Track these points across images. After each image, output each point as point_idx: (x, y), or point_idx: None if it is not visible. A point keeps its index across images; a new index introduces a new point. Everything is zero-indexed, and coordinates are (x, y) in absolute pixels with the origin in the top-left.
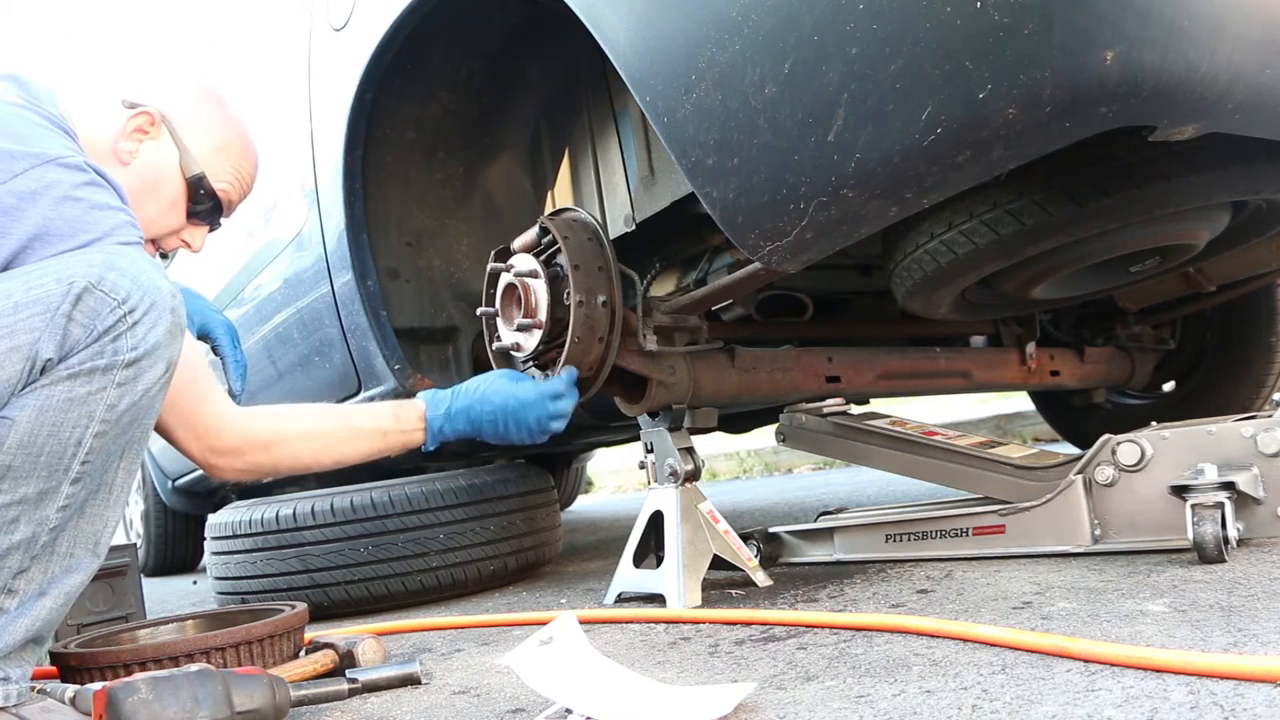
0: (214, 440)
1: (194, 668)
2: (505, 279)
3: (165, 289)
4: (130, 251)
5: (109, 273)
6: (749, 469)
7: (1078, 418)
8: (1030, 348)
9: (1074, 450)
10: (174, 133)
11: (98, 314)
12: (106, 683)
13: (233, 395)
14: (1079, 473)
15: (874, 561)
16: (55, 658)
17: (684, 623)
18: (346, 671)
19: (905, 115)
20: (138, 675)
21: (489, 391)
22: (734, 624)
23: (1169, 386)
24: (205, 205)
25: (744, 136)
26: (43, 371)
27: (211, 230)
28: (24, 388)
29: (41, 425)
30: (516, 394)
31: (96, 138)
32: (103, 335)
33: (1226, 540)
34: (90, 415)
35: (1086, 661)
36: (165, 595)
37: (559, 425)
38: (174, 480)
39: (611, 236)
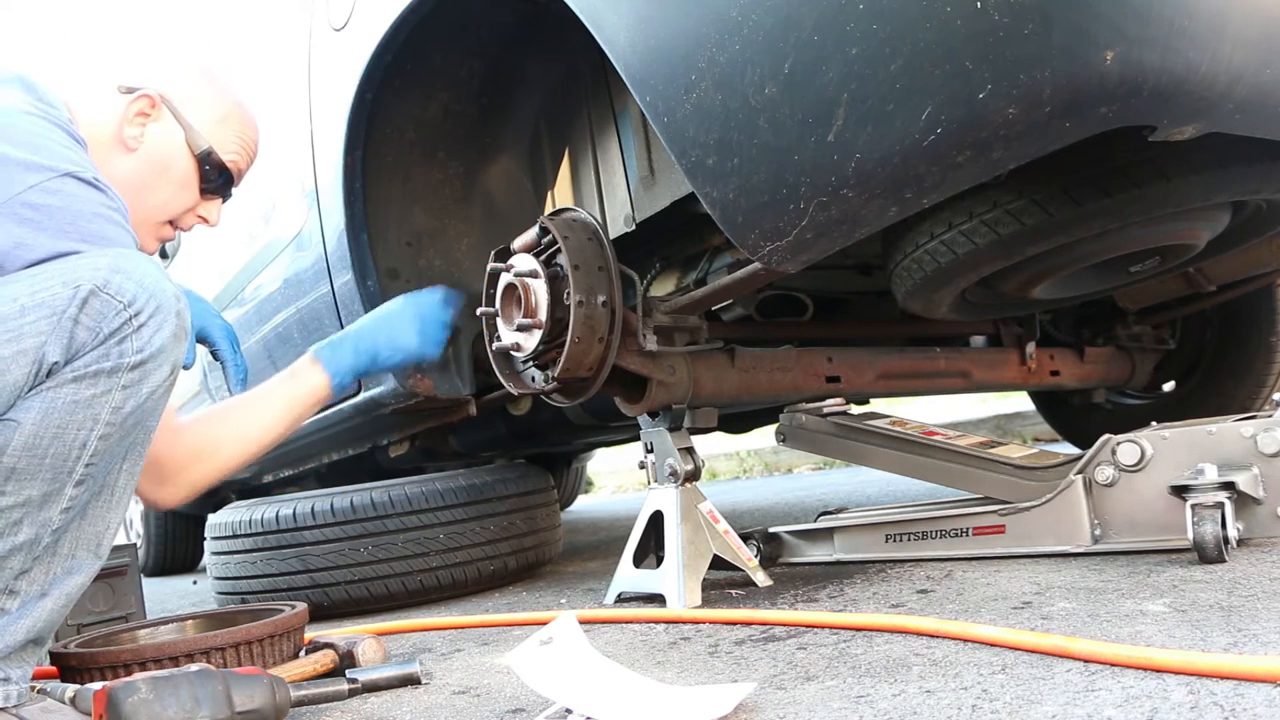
0: (160, 467)
1: (194, 668)
2: (505, 279)
3: (170, 292)
4: (135, 255)
5: (115, 276)
6: (749, 469)
7: (1078, 418)
8: (1030, 348)
9: (1074, 450)
10: (175, 111)
11: (104, 317)
12: (106, 683)
13: None
14: (1079, 473)
15: (874, 561)
16: (55, 658)
17: (684, 623)
18: (346, 671)
19: (905, 115)
20: (138, 675)
21: (366, 317)
22: (734, 624)
23: (1169, 386)
24: (216, 178)
25: (744, 136)
26: (49, 374)
27: (224, 201)
28: (30, 390)
29: (46, 427)
30: (388, 306)
31: (98, 129)
32: (108, 338)
33: (1226, 540)
34: (95, 418)
35: (1086, 661)
36: (165, 595)
37: (439, 311)
38: None
39: (611, 236)
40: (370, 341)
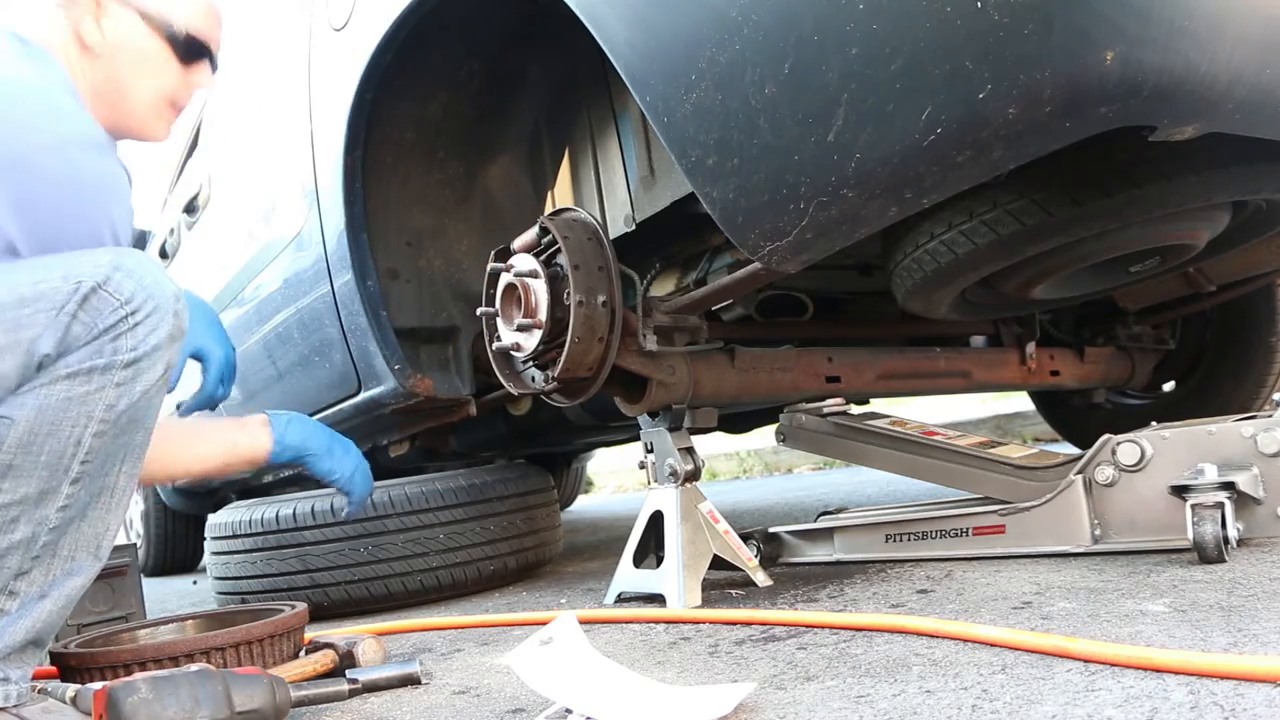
0: None
1: (194, 668)
2: (505, 279)
3: (169, 292)
4: (137, 253)
5: (115, 273)
6: (749, 469)
7: (1078, 418)
8: (1030, 348)
9: (1074, 450)
10: None
11: (100, 313)
12: (107, 682)
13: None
14: (1079, 473)
15: (874, 561)
16: (55, 658)
17: (684, 623)
18: (346, 671)
19: (905, 115)
20: (138, 675)
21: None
22: (734, 624)
23: (1169, 386)
24: (189, 50)
25: (744, 136)
26: (40, 368)
27: (213, 70)
28: (23, 385)
29: (41, 424)
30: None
31: (61, 46)
32: (103, 334)
33: (1226, 540)
34: (89, 415)
35: (1086, 661)
36: (165, 595)
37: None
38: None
39: (611, 236)
40: (322, 437)
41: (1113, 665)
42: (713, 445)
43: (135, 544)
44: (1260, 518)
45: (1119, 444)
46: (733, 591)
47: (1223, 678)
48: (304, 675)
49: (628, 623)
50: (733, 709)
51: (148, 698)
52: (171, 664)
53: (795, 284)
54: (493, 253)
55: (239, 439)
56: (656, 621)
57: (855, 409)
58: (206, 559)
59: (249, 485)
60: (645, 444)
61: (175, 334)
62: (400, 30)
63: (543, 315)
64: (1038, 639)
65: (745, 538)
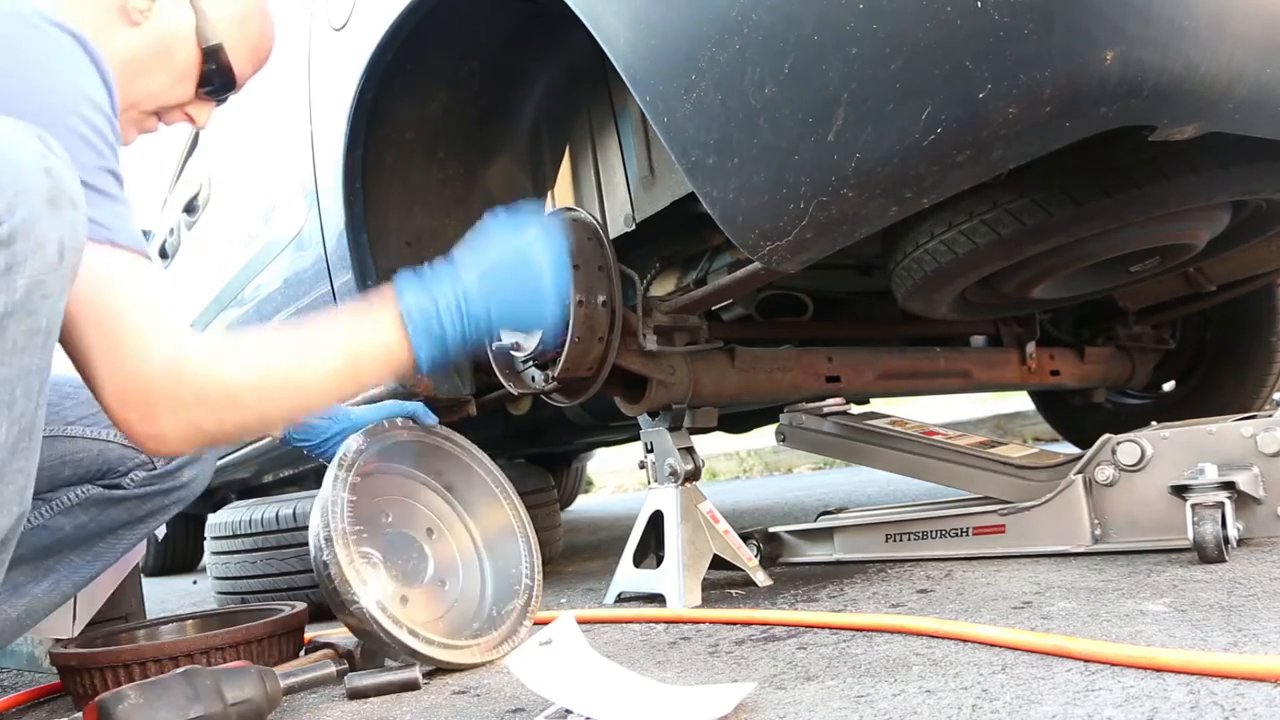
0: (149, 389)
1: (180, 670)
2: None
3: (21, 145)
4: None
5: None
6: (749, 469)
7: (1078, 418)
8: (1030, 348)
9: (1074, 450)
10: None
11: None
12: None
13: None
14: (1079, 473)
15: (874, 561)
16: (56, 659)
17: (684, 623)
18: (347, 675)
19: (905, 115)
20: (125, 686)
21: (478, 244)
22: (734, 624)
23: (1169, 386)
24: (218, 80)
25: (744, 136)
26: None
27: (218, 105)
28: None
29: None
30: (515, 237)
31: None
32: None
33: (1226, 540)
34: None
35: (1086, 661)
36: (165, 595)
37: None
38: None
39: (611, 236)
40: (476, 297)
41: (1113, 665)
42: (713, 445)
43: None
44: (1260, 517)
45: (1119, 444)
46: (733, 591)
47: (1223, 677)
48: None
49: (628, 623)
50: (733, 709)
51: (138, 703)
52: (171, 664)
53: (795, 284)
54: None
55: (363, 348)
56: (656, 621)
57: (855, 409)
58: (206, 559)
59: (248, 485)
60: (645, 444)
61: (55, 197)
62: (400, 30)
63: None
64: (1038, 639)
65: (745, 538)
